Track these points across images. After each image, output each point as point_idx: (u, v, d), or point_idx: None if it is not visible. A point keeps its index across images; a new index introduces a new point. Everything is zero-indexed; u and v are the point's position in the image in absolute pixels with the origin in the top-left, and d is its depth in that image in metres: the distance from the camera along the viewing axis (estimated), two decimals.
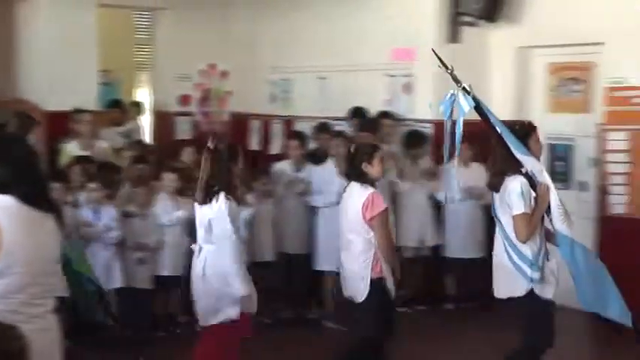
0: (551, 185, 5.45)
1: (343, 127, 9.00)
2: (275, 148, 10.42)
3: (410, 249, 8.53)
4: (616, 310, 5.42)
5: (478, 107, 5.46)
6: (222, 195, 5.64)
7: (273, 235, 8.11)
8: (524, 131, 5.67)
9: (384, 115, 8.96)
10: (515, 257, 5.49)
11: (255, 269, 7.84)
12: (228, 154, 5.82)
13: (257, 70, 10.94)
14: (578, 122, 8.53)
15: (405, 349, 6.75)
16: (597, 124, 8.21)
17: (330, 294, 8.03)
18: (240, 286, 5.63)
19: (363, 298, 5.83)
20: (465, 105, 5.34)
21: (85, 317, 6.54)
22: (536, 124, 8.81)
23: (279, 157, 8.94)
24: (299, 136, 8.67)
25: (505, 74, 9.04)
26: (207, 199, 5.70)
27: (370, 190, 5.85)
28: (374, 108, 9.16)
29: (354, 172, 5.96)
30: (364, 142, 6.45)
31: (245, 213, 7.61)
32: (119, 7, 11.19)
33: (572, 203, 8.17)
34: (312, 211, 8.20)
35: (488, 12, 8.67)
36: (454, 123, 5.35)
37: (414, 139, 8.70)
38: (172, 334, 7.57)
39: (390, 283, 5.85)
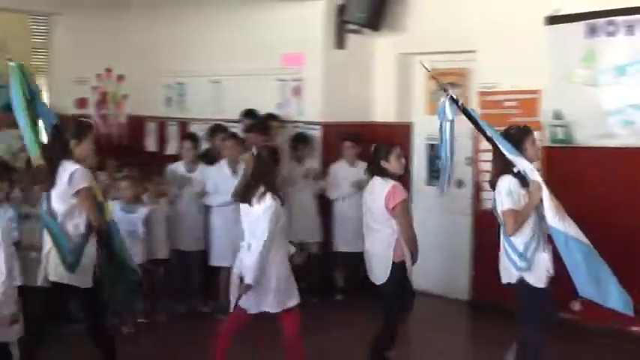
0: (542, 183, 5.80)
1: (237, 129, 9.21)
2: (171, 150, 10.63)
3: (296, 244, 8.91)
4: (617, 300, 5.64)
5: (468, 114, 5.98)
6: (268, 195, 6.07)
7: (168, 233, 8.33)
8: (520, 135, 6.07)
9: (271, 117, 9.26)
10: (508, 248, 5.95)
11: (151, 266, 8.22)
12: (270, 157, 6.27)
13: (153, 74, 11.11)
14: (456, 123, 9.06)
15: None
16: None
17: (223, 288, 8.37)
18: (251, 276, 6.01)
19: (385, 280, 6.35)
20: (449, 113, 5.92)
21: (122, 305, 6.97)
22: (417, 126, 9.52)
23: (175, 158, 9.15)
24: (192, 137, 8.87)
25: (388, 79, 9.51)
26: (252, 198, 6.11)
27: (391, 182, 6.40)
28: (266, 111, 9.41)
29: (375, 169, 6.53)
30: (381, 143, 6.85)
31: (141, 212, 7.93)
32: (14, 11, 11.24)
33: (451, 200, 8.76)
34: (206, 209, 8.47)
35: (372, 21, 9.05)
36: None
37: (298, 141, 9.07)
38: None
39: (408, 265, 6.39)
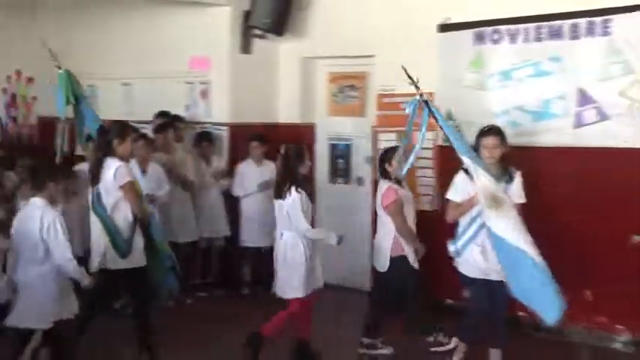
0: (482, 184, 6.08)
1: (147, 129, 9.35)
2: (80, 150, 10.79)
3: (204, 239, 9.27)
4: (543, 306, 5.78)
5: (431, 112, 6.44)
6: (292, 189, 6.62)
7: (80, 231, 8.53)
8: (477, 137, 6.61)
9: (176, 118, 9.54)
10: None
11: None
12: (296, 155, 6.83)
13: None
14: (356, 125, 9.51)
15: (204, 329, 7.50)
16: (371, 126, 9.15)
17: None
18: (330, 237, 6.81)
19: (385, 270, 7.05)
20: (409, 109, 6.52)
21: (161, 288, 7.37)
22: (319, 126, 9.92)
23: (85, 159, 9.35)
24: None
25: (292, 82, 9.90)
26: (281, 193, 6.66)
27: (388, 183, 7.07)
28: (176, 112, 9.68)
29: (380, 171, 7.20)
30: (389, 147, 7.50)
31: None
32: None
33: (352, 196, 9.23)
34: None
35: (276, 26, 9.39)
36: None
37: (202, 139, 9.39)
38: None
39: (411, 259, 7.03)
